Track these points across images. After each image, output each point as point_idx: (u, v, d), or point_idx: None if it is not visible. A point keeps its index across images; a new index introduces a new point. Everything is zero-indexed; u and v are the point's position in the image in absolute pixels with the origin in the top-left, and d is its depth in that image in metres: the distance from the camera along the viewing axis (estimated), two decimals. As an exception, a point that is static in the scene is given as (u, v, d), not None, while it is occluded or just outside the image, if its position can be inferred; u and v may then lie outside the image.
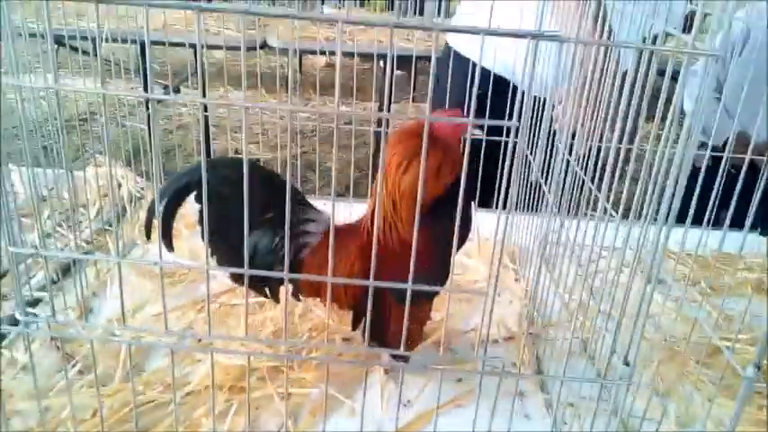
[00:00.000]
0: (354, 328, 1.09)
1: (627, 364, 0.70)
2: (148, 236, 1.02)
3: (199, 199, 1.00)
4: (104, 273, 1.37)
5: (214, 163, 1.01)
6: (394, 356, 1.02)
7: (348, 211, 1.49)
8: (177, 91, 3.10)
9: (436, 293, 1.04)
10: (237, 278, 1.07)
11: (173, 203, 0.98)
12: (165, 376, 1.05)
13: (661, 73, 0.73)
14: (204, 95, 2.67)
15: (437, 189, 0.96)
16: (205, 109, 2.56)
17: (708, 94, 0.66)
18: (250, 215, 0.65)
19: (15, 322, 1.00)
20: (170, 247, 0.98)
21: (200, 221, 1.04)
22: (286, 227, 0.63)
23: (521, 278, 1.43)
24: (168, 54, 3.11)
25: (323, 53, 5.39)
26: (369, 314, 0.67)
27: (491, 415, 0.76)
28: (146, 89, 1.80)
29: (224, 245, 0.99)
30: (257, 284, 1.04)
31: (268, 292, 1.05)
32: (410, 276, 0.65)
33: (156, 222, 0.92)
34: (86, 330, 1.09)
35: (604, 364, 0.73)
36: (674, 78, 0.69)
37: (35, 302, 1.22)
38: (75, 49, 1.30)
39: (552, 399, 0.98)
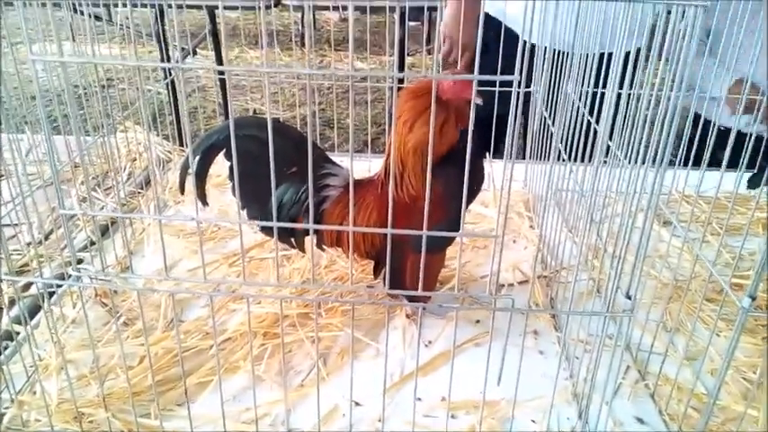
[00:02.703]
0: (376, 275, 1.16)
1: (629, 297, 0.75)
2: (182, 191, 1.09)
3: (228, 156, 1.05)
4: (139, 233, 1.45)
5: (241, 123, 1.06)
6: (411, 299, 1.09)
7: (367, 166, 1.54)
8: (194, 53, 3.15)
9: (449, 243, 1.09)
10: (267, 229, 1.14)
11: (205, 161, 1.04)
12: (202, 326, 1.13)
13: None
14: (220, 61, 2.70)
15: (441, 148, 0.99)
16: (222, 72, 2.61)
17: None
18: (276, 171, 0.69)
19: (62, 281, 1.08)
20: (205, 201, 1.05)
21: (231, 177, 1.10)
22: (309, 181, 0.68)
23: (535, 225, 1.48)
24: (184, 16, 3.13)
25: (336, 8, 5.33)
26: (388, 260, 0.73)
27: (504, 351, 0.81)
28: (164, 56, 1.85)
29: (253, 199, 1.05)
30: (284, 235, 1.11)
31: (294, 242, 1.12)
32: (425, 224, 0.70)
33: (190, 180, 0.98)
34: (130, 283, 1.17)
35: (610, 300, 0.78)
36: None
37: (78, 262, 1.30)
38: (90, 15, 1.34)
39: (563, 334, 1.04)
